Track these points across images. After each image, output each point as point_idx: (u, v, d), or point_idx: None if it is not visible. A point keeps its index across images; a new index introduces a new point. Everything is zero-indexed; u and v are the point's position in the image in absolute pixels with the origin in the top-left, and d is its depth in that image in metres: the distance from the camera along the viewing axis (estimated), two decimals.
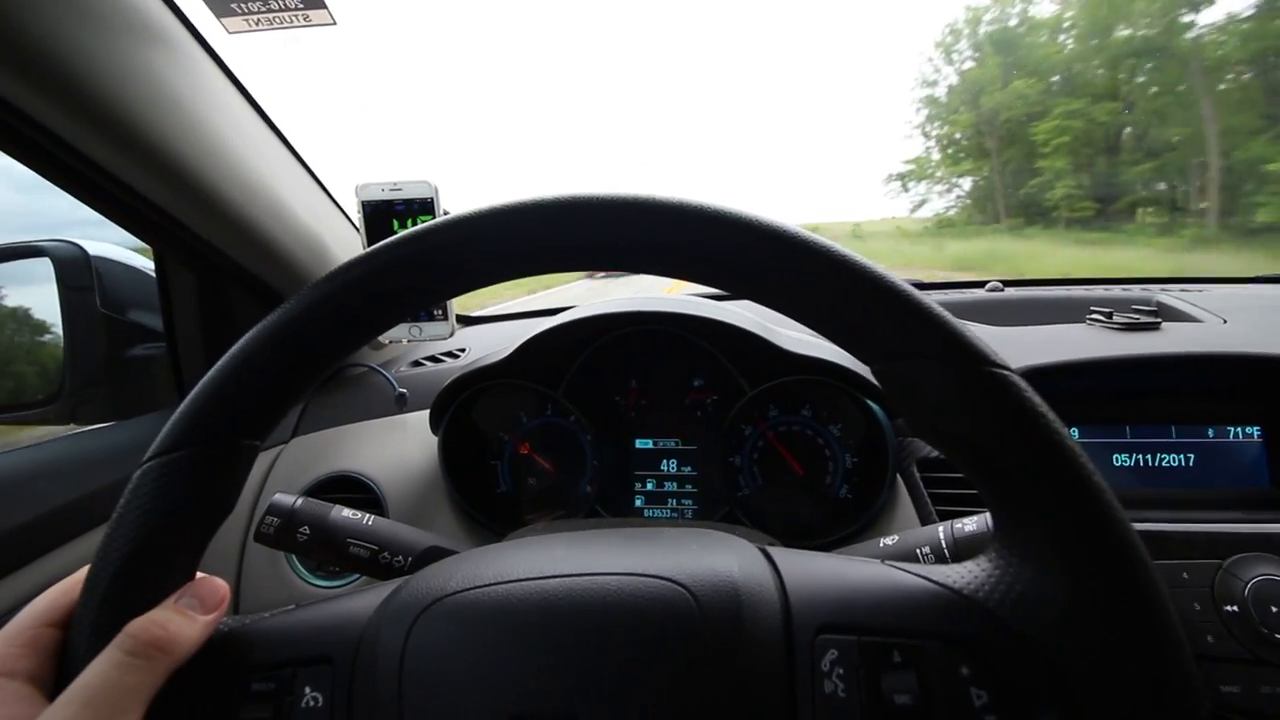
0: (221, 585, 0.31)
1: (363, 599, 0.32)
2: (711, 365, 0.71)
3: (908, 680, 0.26)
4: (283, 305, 0.31)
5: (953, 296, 0.91)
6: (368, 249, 0.31)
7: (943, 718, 0.26)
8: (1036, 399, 0.27)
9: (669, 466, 0.73)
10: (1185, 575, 0.52)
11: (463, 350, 0.91)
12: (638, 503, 0.73)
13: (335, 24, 0.57)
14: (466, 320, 1.08)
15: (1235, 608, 0.50)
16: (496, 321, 1.06)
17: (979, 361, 0.27)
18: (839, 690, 0.27)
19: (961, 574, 0.29)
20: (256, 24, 0.58)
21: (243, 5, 0.56)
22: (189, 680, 0.29)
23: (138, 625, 0.28)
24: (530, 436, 0.74)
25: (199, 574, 0.32)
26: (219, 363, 0.31)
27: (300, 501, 0.47)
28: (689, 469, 0.73)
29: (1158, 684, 0.25)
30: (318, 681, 0.29)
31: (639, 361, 0.74)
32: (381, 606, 0.31)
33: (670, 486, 0.73)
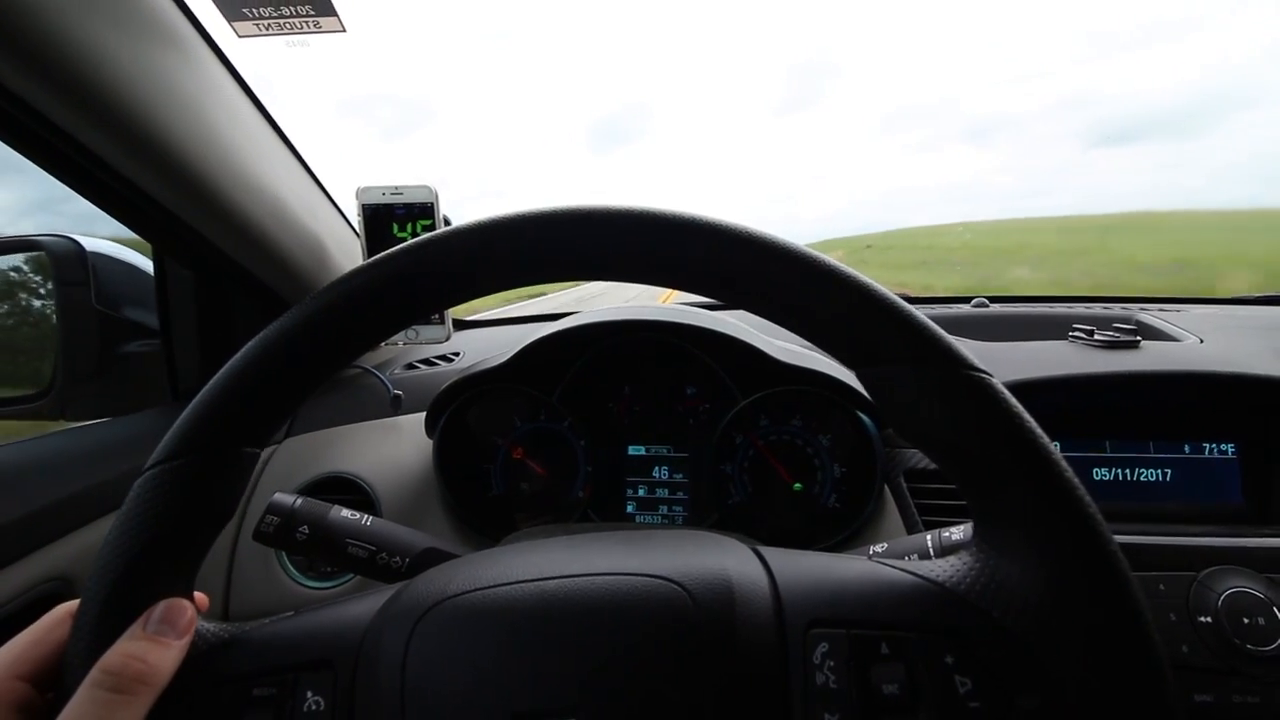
0: (187, 605, 0.30)
1: (363, 603, 0.33)
2: (705, 374, 0.73)
3: (895, 671, 0.27)
4: (286, 313, 0.31)
5: (939, 311, 0.93)
6: (373, 258, 0.32)
7: (929, 705, 0.27)
8: (1013, 401, 0.29)
9: (661, 473, 0.74)
10: (1161, 587, 0.53)
11: (457, 354, 0.92)
12: (629, 509, 0.74)
13: (345, 31, 0.58)
14: (461, 324, 1.09)
15: (1209, 619, 0.51)
16: (491, 326, 1.07)
17: (957, 365, 0.29)
18: (830, 682, 0.28)
19: (945, 568, 0.30)
20: (267, 29, 0.58)
21: (254, 10, 0.57)
22: (189, 688, 0.29)
23: (115, 660, 0.27)
24: (524, 441, 0.74)
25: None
26: (222, 370, 0.31)
27: (300, 501, 0.48)
28: (680, 476, 0.74)
29: (1132, 669, 0.26)
30: (319, 686, 0.29)
31: (633, 369, 0.75)
32: (382, 610, 0.31)
33: (662, 493, 0.74)
